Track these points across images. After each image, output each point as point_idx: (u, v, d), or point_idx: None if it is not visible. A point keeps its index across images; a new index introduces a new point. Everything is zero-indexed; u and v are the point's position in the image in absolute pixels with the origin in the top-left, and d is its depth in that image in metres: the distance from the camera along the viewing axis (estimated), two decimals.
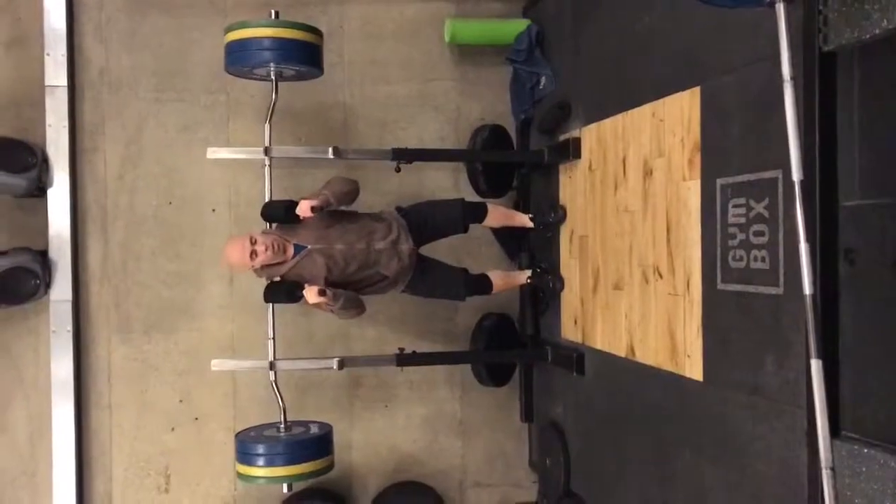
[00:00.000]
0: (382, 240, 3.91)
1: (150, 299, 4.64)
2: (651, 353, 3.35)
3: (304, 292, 3.76)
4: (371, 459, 4.84)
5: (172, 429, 4.66)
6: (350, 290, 3.88)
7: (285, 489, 3.93)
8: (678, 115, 3.11)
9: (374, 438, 4.86)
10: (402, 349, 4.20)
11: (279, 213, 3.87)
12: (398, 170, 4.23)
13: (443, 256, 4.26)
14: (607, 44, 3.78)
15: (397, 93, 4.87)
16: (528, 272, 4.43)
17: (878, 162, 2.28)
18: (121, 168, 4.62)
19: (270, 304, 3.98)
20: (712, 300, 2.91)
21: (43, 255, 4.40)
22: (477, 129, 4.75)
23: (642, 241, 3.41)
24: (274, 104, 4.05)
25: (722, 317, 2.86)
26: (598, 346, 3.86)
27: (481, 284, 4.25)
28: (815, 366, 2.03)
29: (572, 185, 4.16)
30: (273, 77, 4.09)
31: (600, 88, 3.87)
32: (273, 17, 3.98)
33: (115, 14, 4.60)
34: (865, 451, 2.21)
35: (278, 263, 3.80)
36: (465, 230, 4.25)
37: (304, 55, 4.03)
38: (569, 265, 4.21)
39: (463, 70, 4.91)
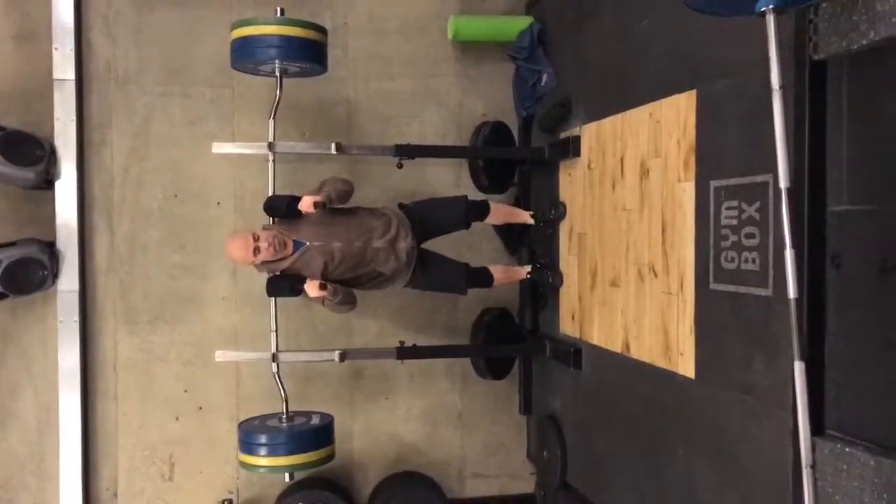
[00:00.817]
0: (380, 238, 3.95)
1: (155, 291, 4.72)
2: (645, 350, 3.42)
3: (305, 286, 3.86)
4: (372, 450, 4.92)
5: (177, 418, 4.75)
6: (347, 285, 3.96)
7: (287, 478, 4.01)
8: (675, 116, 3.16)
9: (375, 429, 4.94)
10: (402, 342, 4.26)
11: (281, 208, 3.92)
12: (400, 166, 4.29)
13: (445, 251, 4.31)
14: (608, 44, 3.83)
15: (400, 88, 4.92)
16: (529, 267, 4.50)
17: (866, 169, 2.34)
18: (127, 161, 4.69)
19: (273, 298, 4.04)
20: (705, 300, 2.97)
21: (51, 247, 4.47)
22: (479, 125, 4.80)
23: (638, 240, 3.48)
24: (278, 100, 4.11)
25: (714, 316, 2.92)
26: (595, 342, 3.92)
27: (482, 277, 4.29)
28: (798, 367, 2.09)
29: (572, 182, 4.22)
30: (278, 74, 4.15)
31: (600, 88, 3.92)
32: (278, 14, 4.03)
33: (122, 9, 4.65)
34: (847, 450, 2.28)
35: (279, 259, 3.86)
36: (467, 227, 4.29)
37: (309, 53, 4.07)
38: (568, 261, 4.27)
39: (466, 66, 4.96)
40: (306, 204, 3.80)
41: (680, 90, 3.12)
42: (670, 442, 3.20)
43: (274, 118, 4.08)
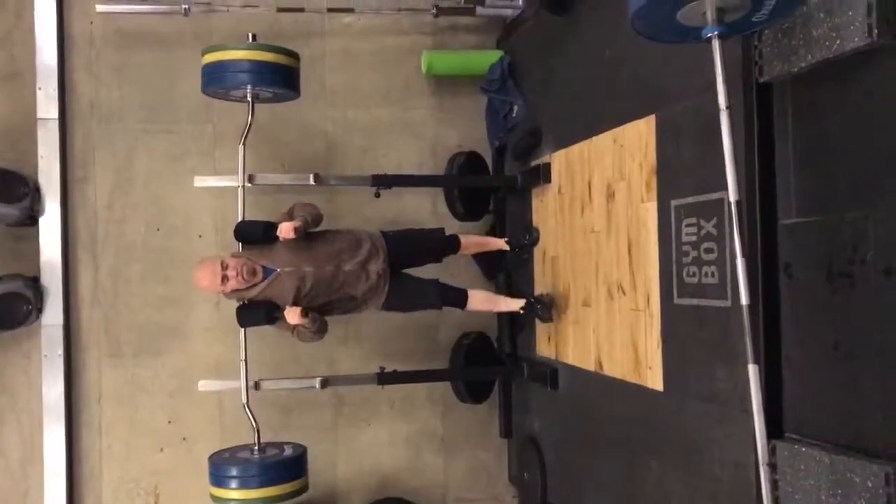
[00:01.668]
0: (350, 260, 3.92)
1: (139, 323, 4.79)
2: (617, 366, 3.53)
3: (285, 313, 3.80)
4: (355, 476, 4.98)
5: (161, 449, 4.79)
6: (320, 312, 3.90)
7: None
8: (636, 140, 3.32)
9: (358, 456, 4.99)
10: (382, 368, 4.34)
11: (257, 235, 3.88)
12: (378, 195, 4.41)
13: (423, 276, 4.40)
14: (573, 74, 4.00)
15: (377, 121, 5.07)
16: (522, 302, 4.31)
17: (813, 183, 2.48)
18: (110, 197, 4.79)
19: (243, 329, 4.05)
20: (670, 314, 3.10)
21: (35, 282, 4.54)
22: (454, 155, 4.95)
23: (607, 260, 3.61)
24: (249, 126, 4.13)
25: (679, 329, 3.05)
26: (570, 362, 4.03)
27: (456, 296, 4.23)
28: (752, 370, 2.21)
29: (544, 207, 4.36)
30: (249, 99, 4.14)
31: (567, 116, 4.08)
32: (250, 40, 4.07)
33: (104, 49, 4.79)
34: (804, 450, 2.39)
35: (249, 287, 3.80)
36: (439, 261, 4.32)
37: (280, 77, 4.10)
38: (542, 284, 4.39)
39: (440, 99, 5.12)
40: (286, 230, 3.75)
41: (641, 115, 3.28)
42: (643, 454, 3.30)
43: (244, 144, 4.10)
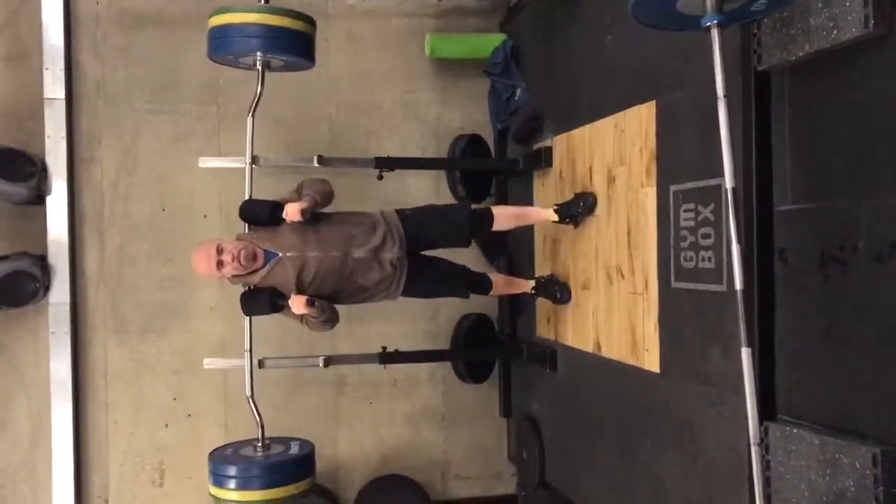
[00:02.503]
0: (361, 246, 3.63)
1: (144, 302, 4.85)
2: (615, 349, 3.59)
3: (290, 301, 3.56)
4: (357, 453, 5.06)
5: (166, 425, 4.87)
6: (329, 300, 3.67)
7: None
8: (637, 126, 3.35)
9: (360, 433, 5.08)
10: (384, 348, 4.40)
11: (263, 216, 3.64)
12: (381, 177, 4.41)
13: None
14: (576, 59, 4.03)
15: (381, 103, 5.10)
16: (532, 283, 4.23)
17: (808, 170, 2.53)
18: (116, 176, 4.84)
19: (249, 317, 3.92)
20: (667, 298, 3.15)
21: (42, 260, 4.60)
22: (456, 138, 4.99)
23: (606, 244, 3.66)
24: (259, 96, 3.93)
25: (676, 313, 3.10)
26: (569, 343, 4.09)
27: (482, 283, 4.09)
28: (745, 353, 2.26)
29: (545, 191, 4.40)
30: (259, 67, 3.88)
31: (569, 101, 4.11)
32: (262, 1, 3.79)
33: (110, 29, 4.82)
34: (795, 431, 2.45)
35: (250, 273, 3.57)
36: (468, 244, 3.97)
37: (294, 44, 3.79)
38: (542, 267, 4.44)
39: (443, 82, 5.15)
40: (293, 212, 3.51)
41: (641, 101, 3.31)
42: (639, 435, 3.37)
43: (252, 115, 3.92)
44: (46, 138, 4.63)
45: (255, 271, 3.58)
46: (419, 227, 3.79)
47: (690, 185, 2.98)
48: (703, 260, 2.90)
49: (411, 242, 3.77)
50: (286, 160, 4.57)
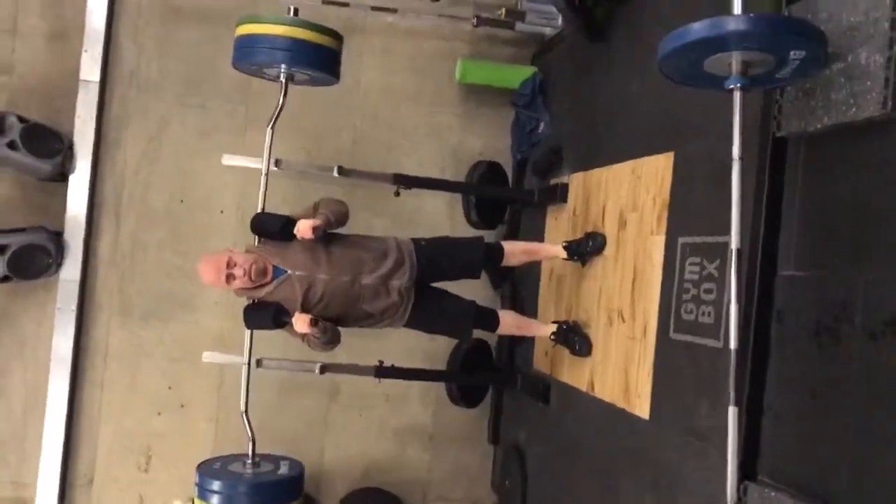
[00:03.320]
0: (371, 273, 3.60)
1: (151, 288, 4.93)
2: (608, 390, 3.62)
3: (293, 320, 3.54)
4: (341, 463, 5.10)
5: (159, 413, 4.93)
6: (332, 321, 3.62)
7: None
8: (653, 174, 3.41)
9: (347, 444, 5.11)
10: (381, 362, 4.44)
11: (274, 230, 3.63)
12: (397, 194, 4.44)
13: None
14: (600, 100, 4.09)
15: (405, 121, 5.19)
16: (553, 328, 4.04)
17: (813, 238, 2.57)
18: (139, 163, 4.93)
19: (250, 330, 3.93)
20: (664, 347, 3.19)
21: (58, 236, 4.69)
22: (475, 163, 5.05)
23: (611, 287, 3.70)
24: (280, 108, 4.00)
25: (670, 363, 3.14)
26: (564, 379, 4.13)
27: (488, 321, 4.00)
28: (732, 412, 2.30)
29: (557, 226, 4.45)
30: (283, 79, 3.92)
31: (590, 140, 4.17)
32: (291, 13, 3.81)
33: (152, 20, 4.92)
34: (773, 494, 2.48)
35: (257, 287, 3.56)
36: (478, 276, 3.97)
37: (320, 59, 3.80)
38: (546, 301, 4.48)
39: (468, 107, 5.23)
40: (304, 229, 3.48)
41: (661, 151, 3.37)
42: (621, 476, 3.40)
43: (272, 128, 4.00)
44: (76, 118, 4.73)
45: (262, 286, 3.57)
46: (431, 257, 3.77)
47: (699, 239, 3.02)
48: (703, 314, 2.94)
49: (422, 272, 3.74)
50: (307, 166, 4.63)
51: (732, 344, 2.33)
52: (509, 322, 4.10)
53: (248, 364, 4.08)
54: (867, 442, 2.24)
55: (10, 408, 4.79)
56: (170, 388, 4.94)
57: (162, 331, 4.94)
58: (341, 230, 3.76)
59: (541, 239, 4.58)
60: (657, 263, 3.29)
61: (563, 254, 3.97)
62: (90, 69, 4.75)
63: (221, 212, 4.98)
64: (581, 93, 4.37)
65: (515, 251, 4.08)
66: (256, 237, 3.82)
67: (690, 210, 3.12)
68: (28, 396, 4.80)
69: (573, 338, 3.93)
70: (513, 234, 5.05)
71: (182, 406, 4.95)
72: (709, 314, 2.91)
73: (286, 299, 3.58)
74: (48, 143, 4.56)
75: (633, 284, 3.48)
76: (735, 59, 2.31)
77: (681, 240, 3.14)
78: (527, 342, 4.71)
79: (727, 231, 2.79)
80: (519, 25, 5.09)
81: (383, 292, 3.64)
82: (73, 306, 4.74)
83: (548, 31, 5.07)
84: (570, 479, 3.91)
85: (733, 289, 2.33)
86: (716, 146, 2.96)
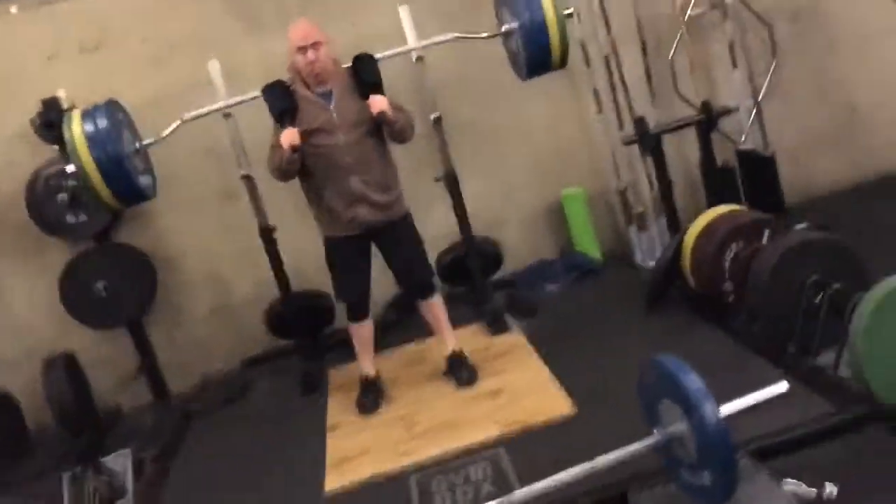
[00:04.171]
0: (362, 183, 3.70)
1: None
2: None
3: (287, 130, 3.55)
4: None
5: None
6: (304, 168, 3.70)
7: None
8: None
9: None
10: None
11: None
12: (438, 180, 4.56)
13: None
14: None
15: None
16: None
17: None
18: None
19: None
20: None
21: None
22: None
23: None
24: None
25: None
26: None
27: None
28: None
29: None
30: None
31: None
32: None
33: None
34: None
35: (305, 82, 3.66)
36: (405, 289, 4.31)
37: None
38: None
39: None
40: (380, 101, 3.60)
41: None
42: None
43: None
44: None
45: (307, 84, 3.68)
46: (397, 239, 3.88)
47: None
48: None
49: (378, 236, 3.85)
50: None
51: None
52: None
53: None
54: None
55: None
56: None
57: None
58: (390, 145, 3.86)
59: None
60: None
61: (444, 365, 4.11)
62: None
63: None
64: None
65: (434, 311, 4.09)
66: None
67: None
68: None
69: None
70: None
71: None
72: None
73: (303, 114, 3.64)
74: None
75: None
76: None
77: None
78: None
79: None
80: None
81: (353, 201, 3.72)
82: None
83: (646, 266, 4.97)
84: None
85: None
86: None
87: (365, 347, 4.10)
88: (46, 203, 4.63)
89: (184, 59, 4.83)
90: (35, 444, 4.66)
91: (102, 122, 3.58)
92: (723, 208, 4.06)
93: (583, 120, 5.28)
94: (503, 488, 2.90)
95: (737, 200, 4.31)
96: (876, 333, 2.68)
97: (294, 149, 3.56)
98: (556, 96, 5.18)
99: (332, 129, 3.65)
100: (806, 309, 3.19)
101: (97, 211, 4.53)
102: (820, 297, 3.16)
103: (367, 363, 4.12)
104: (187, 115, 4.08)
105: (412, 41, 4.33)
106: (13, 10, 4.75)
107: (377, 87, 3.68)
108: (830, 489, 2.42)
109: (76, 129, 3.56)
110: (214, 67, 4.33)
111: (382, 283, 4.19)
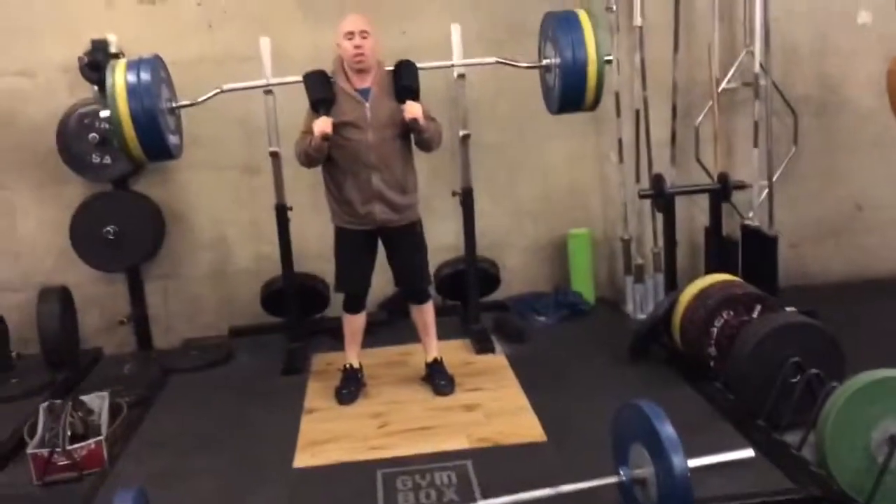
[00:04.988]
0: (381, 182, 3.84)
1: None
2: None
3: (322, 119, 3.71)
4: None
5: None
6: (328, 160, 3.86)
7: None
8: None
9: None
10: None
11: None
12: (455, 194, 4.74)
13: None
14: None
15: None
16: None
17: None
18: None
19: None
20: None
21: None
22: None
23: None
24: None
25: None
26: None
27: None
28: None
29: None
30: None
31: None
32: None
33: None
34: None
35: (346, 72, 3.81)
36: (401, 291, 4.45)
37: None
38: None
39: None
40: (416, 108, 3.74)
41: None
42: None
43: None
44: None
45: (348, 77, 3.82)
46: (401, 246, 4.02)
47: None
48: None
49: (386, 236, 4.00)
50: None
51: None
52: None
53: None
54: None
55: None
56: None
57: None
58: (416, 150, 3.99)
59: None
60: None
61: (424, 371, 4.26)
62: None
63: None
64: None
65: (424, 317, 4.21)
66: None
67: None
68: None
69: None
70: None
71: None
72: None
73: (339, 106, 3.79)
74: None
75: None
76: None
77: None
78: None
79: None
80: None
81: (370, 197, 3.86)
82: None
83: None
84: None
85: None
86: None
87: (354, 338, 4.23)
88: (76, 139, 4.75)
89: (234, 30, 5.02)
90: (16, 369, 4.76)
91: (145, 76, 3.70)
92: (721, 276, 4.21)
93: (601, 165, 5.46)
94: (466, 498, 3.04)
95: (734, 272, 4.44)
96: (843, 423, 2.83)
97: (324, 137, 3.71)
98: (581, 137, 5.36)
99: (364, 125, 3.79)
100: (782, 387, 3.33)
101: (122, 157, 4.61)
102: (797, 378, 3.31)
103: (353, 353, 4.25)
104: (227, 86, 4.22)
105: (457, 58, 4.54)
106: None
107: (414, 94, 3.83)
108: None
109: (119, 78, 3.68)
110: (265, 44, 4.47)
111: (378, 282, 4.30)
